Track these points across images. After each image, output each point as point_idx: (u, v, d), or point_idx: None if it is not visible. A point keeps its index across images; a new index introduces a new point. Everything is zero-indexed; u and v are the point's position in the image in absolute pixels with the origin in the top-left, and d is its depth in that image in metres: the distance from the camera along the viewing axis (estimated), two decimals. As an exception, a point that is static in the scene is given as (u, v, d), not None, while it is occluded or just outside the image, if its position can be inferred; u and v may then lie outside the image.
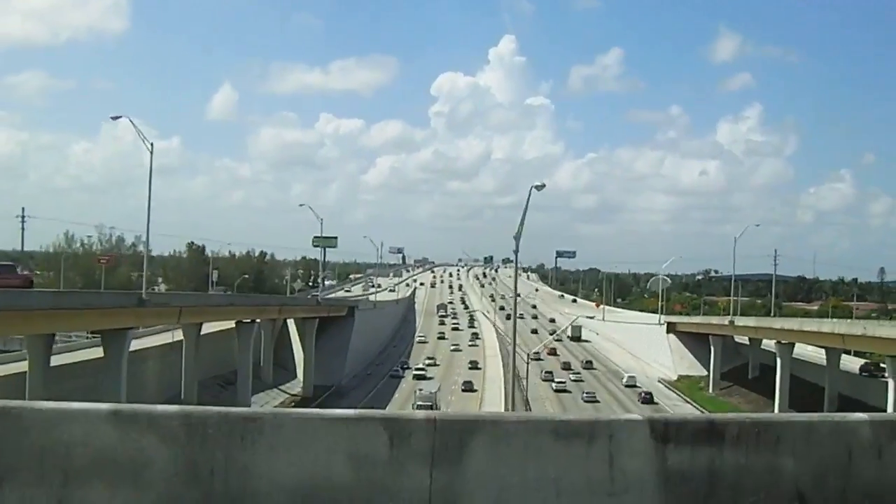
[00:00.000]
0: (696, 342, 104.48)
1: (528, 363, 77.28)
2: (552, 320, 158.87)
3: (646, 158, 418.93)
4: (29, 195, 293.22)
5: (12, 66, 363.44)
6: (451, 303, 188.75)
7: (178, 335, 67.44)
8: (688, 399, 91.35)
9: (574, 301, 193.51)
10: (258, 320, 75.42)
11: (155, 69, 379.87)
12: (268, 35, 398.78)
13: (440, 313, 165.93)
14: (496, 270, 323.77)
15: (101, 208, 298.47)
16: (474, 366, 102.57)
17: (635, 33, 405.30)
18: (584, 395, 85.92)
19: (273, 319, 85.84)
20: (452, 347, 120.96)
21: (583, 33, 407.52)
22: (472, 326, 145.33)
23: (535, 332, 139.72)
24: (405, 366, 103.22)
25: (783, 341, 77.67)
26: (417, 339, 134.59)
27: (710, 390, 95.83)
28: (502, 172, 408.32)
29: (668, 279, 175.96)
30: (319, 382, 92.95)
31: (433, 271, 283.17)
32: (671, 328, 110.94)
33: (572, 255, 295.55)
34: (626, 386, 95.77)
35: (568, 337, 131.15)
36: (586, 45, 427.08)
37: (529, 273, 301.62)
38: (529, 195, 52.15)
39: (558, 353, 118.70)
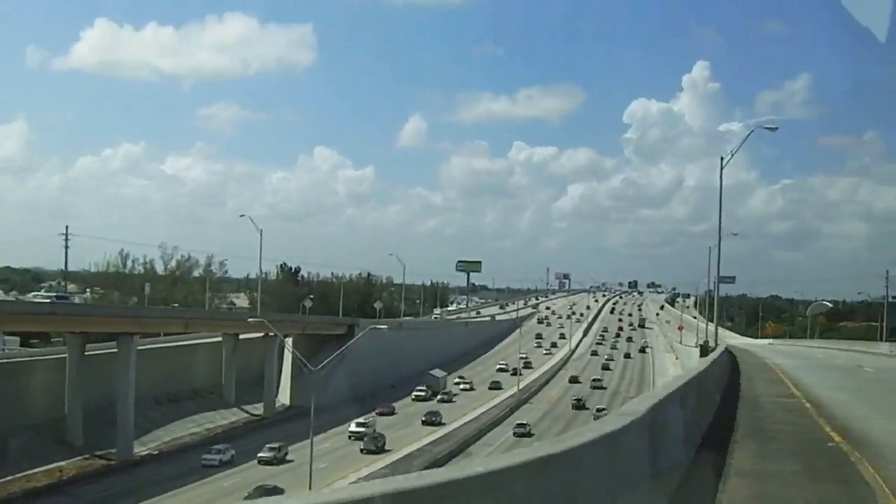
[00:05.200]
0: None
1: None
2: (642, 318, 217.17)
3: (839, 185, 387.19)
4: (227, 224, 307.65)
5: (204, 98, 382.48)
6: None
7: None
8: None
9: (667, 322, 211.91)
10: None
11: (344, 100, 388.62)
12: (453, 65, 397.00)
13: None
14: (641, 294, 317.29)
15: (293, 237, 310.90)
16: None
17: (821, 57, 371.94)
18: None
19: (233, 334, 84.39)
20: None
21: (771, 58, 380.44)
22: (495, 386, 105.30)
23: (620, 320, 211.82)
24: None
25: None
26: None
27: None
28: (694, 200, 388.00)
29: (828, 303, 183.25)
30: (302, 403, 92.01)
31: (541, 305, 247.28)
32: (703, 352, 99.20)
33: (732, 280, 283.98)
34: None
35: (638, 325, 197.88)
36: (775, 70, 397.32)
37: (685, 298, 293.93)
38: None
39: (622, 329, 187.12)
